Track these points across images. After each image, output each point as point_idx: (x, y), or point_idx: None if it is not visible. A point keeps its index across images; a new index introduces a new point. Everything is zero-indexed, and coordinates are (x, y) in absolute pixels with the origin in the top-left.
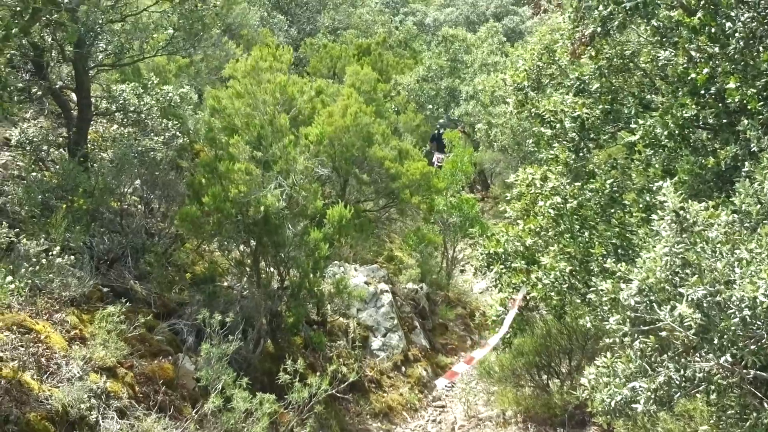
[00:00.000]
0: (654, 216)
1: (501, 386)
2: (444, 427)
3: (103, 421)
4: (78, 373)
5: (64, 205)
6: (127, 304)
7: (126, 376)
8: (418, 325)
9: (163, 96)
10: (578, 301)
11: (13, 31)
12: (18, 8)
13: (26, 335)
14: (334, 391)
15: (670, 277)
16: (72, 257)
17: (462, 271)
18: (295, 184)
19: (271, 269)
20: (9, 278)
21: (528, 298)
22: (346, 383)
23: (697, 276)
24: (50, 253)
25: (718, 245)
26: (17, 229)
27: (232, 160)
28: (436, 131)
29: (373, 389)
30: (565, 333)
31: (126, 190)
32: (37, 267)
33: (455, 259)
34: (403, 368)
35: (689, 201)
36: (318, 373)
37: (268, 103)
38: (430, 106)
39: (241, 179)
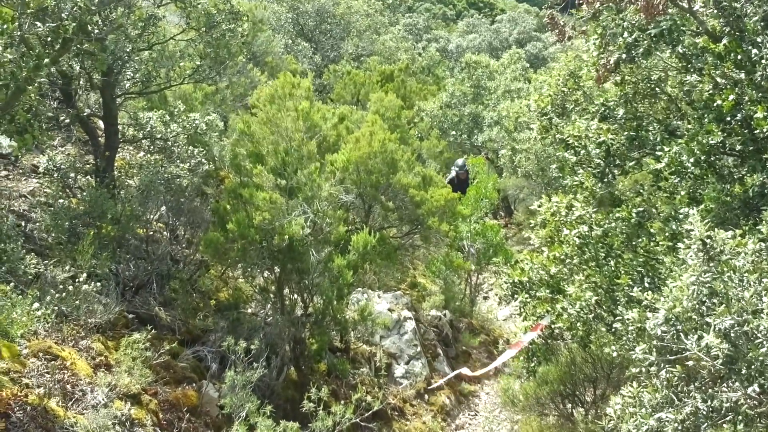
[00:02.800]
0: (680, 244)
1: (525, 415)
2: None
3: None
4: (103, 400)
5: (91, 232)
6: (152, 330)
7: (150, 403)
8: (441, 353)
9: (190, 123)
10: (603, 329)
11: (45, 61)
12: (49, 38)
13: (52, 362)
14: (357, 420)
15: (697, 306)
16: (98, 284)
17: (485, 298)
18: (319, 211)
19: (295, 296)
20: (36, 305)
21: (553, 327)
22: (370, 412)
23: (724, 305)
24: (77, 280)
25: (746, 274)
26: (44, 258)
27: (257, 188)
28: (454, 175)
29: (396, 417)
30: (590, 362)
31: (152, 216)
32: (64, 294)
33: (479, 286)
34: (426, 396)
35: (716, 229)
36: (341, 401)
37: (292, 129)
38: (454, 132)
39: (265, 207)
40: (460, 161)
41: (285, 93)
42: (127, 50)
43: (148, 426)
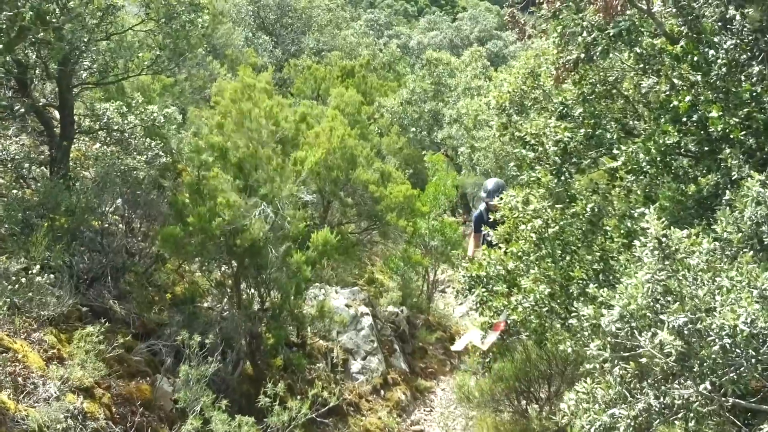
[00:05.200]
0: (636, 242)
1: (480, 411)
2: None
3: None
4: (55, 393)
5: (45, 224)
6: (106, 324)
7: (103, 397)
8: (398, 349)
9: (147, 115)
10: (558, 326)
11: None
12: (4, 26)
13: (3, 354)
14: (313, 415)
15: (652, 303)
16: (52, 276)
17: (443, 292)
18: (279, 209)
19: (252, 291)
20: None
21: (509, 323)
22: (326, 407)
23: (678, 303)
24: (30, 272)
25: (700, 273)
26: None
27: (217, 189)
28: (483, 209)
29: (352, 413)
30: (545, 359)
31: (107, 209)
32: (17, 286)
33: (436, 282)
34: (382, 392)
35: (671, 228)
36: (298, 396)
37: (254, 127)
38: (414, 129)
39: (225, 209)
40: (490, 183)
41: (248, 91)
42: (85, 40)
43: (100, 420)
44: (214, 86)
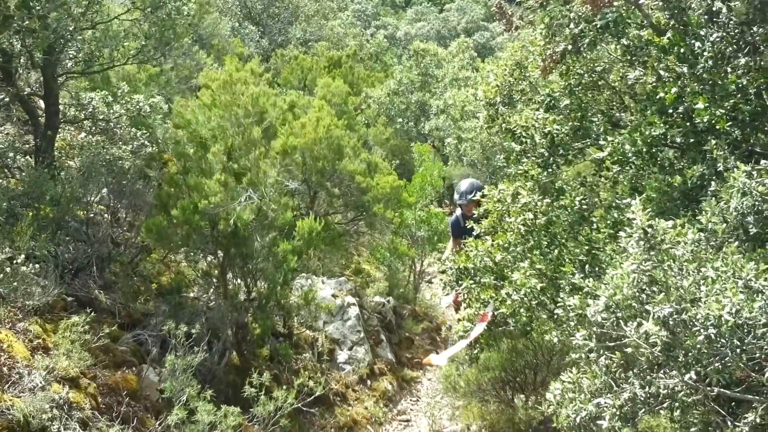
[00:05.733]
0: (622, 233)
1: (466, 401)
2: None
3: None
4: (40, 383)
5: (30, 213)
6: (92, 314)
7: (89, 387)
8: (385, 339)
9: (133, 105)
10: (544, 317)
11: None
12: None
13: None
14: (299, 405)
15: (637, 294)
16: (36, 266)
17: (429, 283)
18: (264, 197)
19: (239, 281)
20: None
21: (496, 314)
22: (312, 397)
23: (663, 294)
24: (14, 262)
25: (685, 263)
26: None
27: (204, 173)
28: (459, 215)
29: (338, 402)
30: (531, 349)
31: (92, 198)
32: (1, 275)
33: (423, 272)
34: (369, 382)
35: (657, 219)
36: (284, 386)
37: (241, 115)
38: (401, 120)
39: (213, 191)
40: (463, 184)
41: (240, 78)
42: (70, 29)
43: (86, 410)
44: (202, 75)
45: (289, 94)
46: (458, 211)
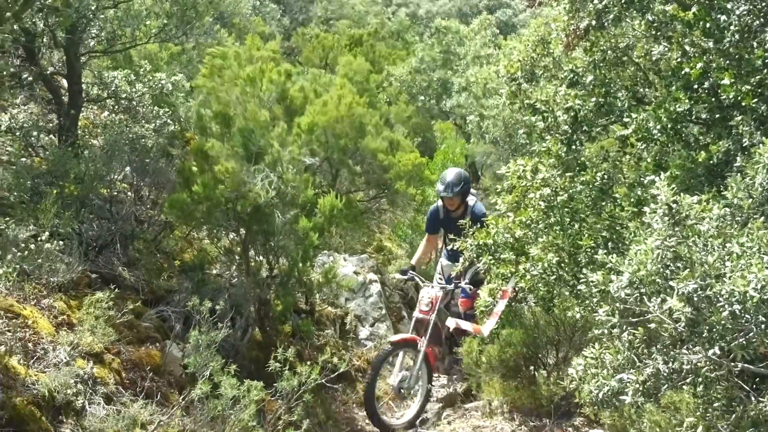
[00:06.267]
0: (646, 209)
1: (487, 377)
2: (430, 416)
3: (89, 407)
4: (65, 358)
5: (54, 191)
6: (116, 290)
7: (113, 363)
8: (406, 315)
9: (155, 83)
10: (566, 293)
11: (7, 15)
12: None
13: (14, 320)
14: (323, 380)
15: (661, 270)
16: (61, 243)
17: None
18: (284, 174)
19: (261, 258)
20: None
21: (516, 290)
22: (336, 373)
23: (688, 269)
24: (39, 239)
25: (710, 239)
26: (6, 217)
27: (222, 155)
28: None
29: (360, 378)
30: (553, 325)
31: (116, 177)
32: (26, 252)
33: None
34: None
35: (681, 195)
36: (306, 362)
37: (264, 92)
38: (422, 98)
39: (227, 177)
40: (449, 174)
41: (262, 55)
42: (92, 8)
43: (110, 385)
44: (220, 51)
45: (311, 74)
46: (439, 203)
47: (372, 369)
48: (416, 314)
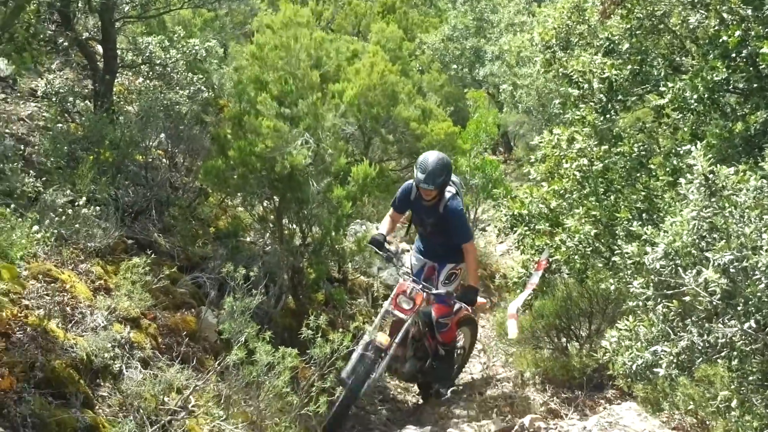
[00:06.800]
0: (681, 180)
1: (520, 348)
2: (462, 386)
3: (126, 370)
4: (102, 322)
5: (90, 157)
6: (152, 256)
7: (149, 327)
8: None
9: (189, 49)
10: (600, 265)
11: None
12: None
13: (52, 284)
14: (355, 348)
15: (697, 241)
16: (97, 208)
17: (483, 231)
18: (321, 141)
19: (294, 226)
20: (35, 228)
21: (551, 261)
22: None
23: (724, 241)
24: (76, 204)
25: (747, 210)
26: (44, 179)
27: (259, 116)
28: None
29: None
30: (586, 297)
31: (151, 143)
32: (63, 217)
33: (477, 220)
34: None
35: (718, 165)
36: (339, 330)
37: (302, 59)
38: (455, 66)
39: (268, 135)
40: (431, 160)
41: (303, 21)
42: None
43: (147, 349)
44: (255, 20)
45: (345, 40)
46: (414, 182)
47: (354, 385)
48: (392, 310)
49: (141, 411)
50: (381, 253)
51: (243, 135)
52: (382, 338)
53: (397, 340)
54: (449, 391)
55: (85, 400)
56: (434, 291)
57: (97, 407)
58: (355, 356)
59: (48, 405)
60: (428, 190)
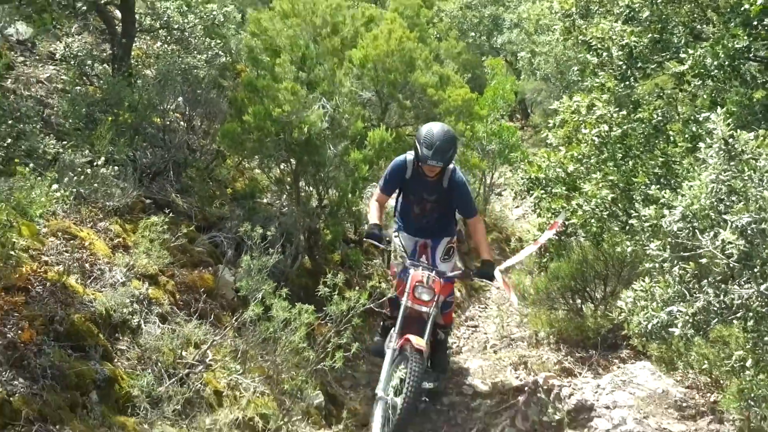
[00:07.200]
0: (700, 145)
1: (535, 308)
2: (476, 345)
3: (144, 325)
4: (121, 279)
5: (109, 119)
6: (170, 215)
7: (167, 284)
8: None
9: (207, 15)
10: (616, 229)
11: None
12: None
13: (71, 241)
14: (371, 305)
15: (715, 204)
16: (116, 169)
17: (499, 195)
18: (338, 106)
19: (310, 188)
20: (54, 186)
21: (567, 224)
22: (384, 299)
23: (742, 203)
24: (95, 164)
25: (766, 174)
26: (63, 141)
27: (276, 80)
28: (408, 158)
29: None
30: (602, 259)
31: (168, 106)
32: (82, 177)
33: (493, 185)
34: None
35: (737, 131)
36: (356, 289)
37: (318, 24)
38: (473, 34)
39: (285, 99)
40: (437, 133)
41: None
42: None
43: (165, 305)
44: None
45: (362, 7)
46: (409, 156)
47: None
48: (412, 305)
49: (159, 364)
50: (381, 245)
51: (259, 100)
52: (420, 342)
53: (426, 338)
54: (435, 384)
55: (104, 353)
56: (449, 274)
57: (115, 360)
58: (390, 369)
59: (67, 357)
60: (436, 167)
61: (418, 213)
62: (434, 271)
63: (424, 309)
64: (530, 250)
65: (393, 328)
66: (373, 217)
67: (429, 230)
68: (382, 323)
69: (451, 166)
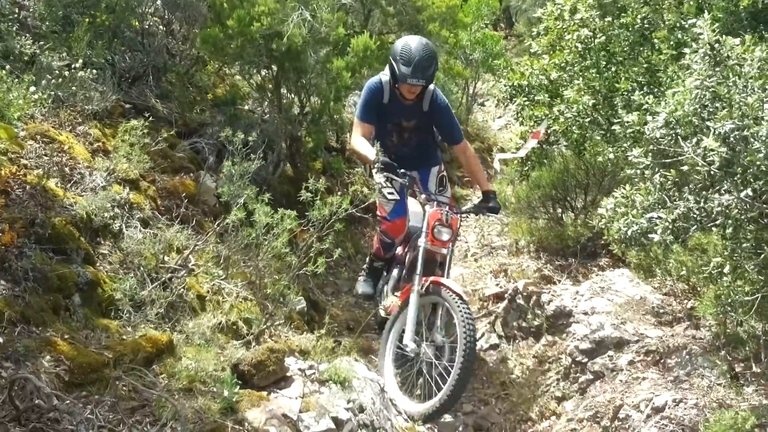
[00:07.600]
0: (686, 50)
1: (515, 217)
2: (457, 254)
3: (126, 230)
4: (101, 183)
5: (86, 21)
6: (150, 120)
7: (148, 190)
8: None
9: None
10: (598, 137)
11: None
12: None
13: (50, 145)
14: (353, 211)
15: (699, 110)
16: (94, 72)
17: (482, 105)
18: (316, 12)
19: (293, 95)
20: (32, 89)
21: (548, 132)
22: (365, 204)
23: (726, 110)
24: (72, 68)
25: (751, 80)
26: (39, 43)
27: None
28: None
29: None
30: (583, 168)
31: (147, 9)
32: (60, 80)
33: (476, 95)
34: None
35: (723, 36)
36: (338, 194)
37: None
38: None
39: (267, 6)
40: (417, 48)
41: None
42: None
43: (146, 210)
44: None
45: None
46: (384, 76)
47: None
48: (431, 247)
49: (141, 268)
50: (400, 179)
51: (239, 3)
52: (460, 288)
53: (450, 275)
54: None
55: (86, 257)
56: (464, 208)
57: (98, 264)
58: (416, 316)
59: (49, 260)
60: (417, 85)
61: (396, 142)
62: (453, 208)
63: (444, 251)
64: (512, 155)
65: (387, 272)
66: (368, 150)
67: (411, 161)
68: (370, 263)
69: (431, 86)
